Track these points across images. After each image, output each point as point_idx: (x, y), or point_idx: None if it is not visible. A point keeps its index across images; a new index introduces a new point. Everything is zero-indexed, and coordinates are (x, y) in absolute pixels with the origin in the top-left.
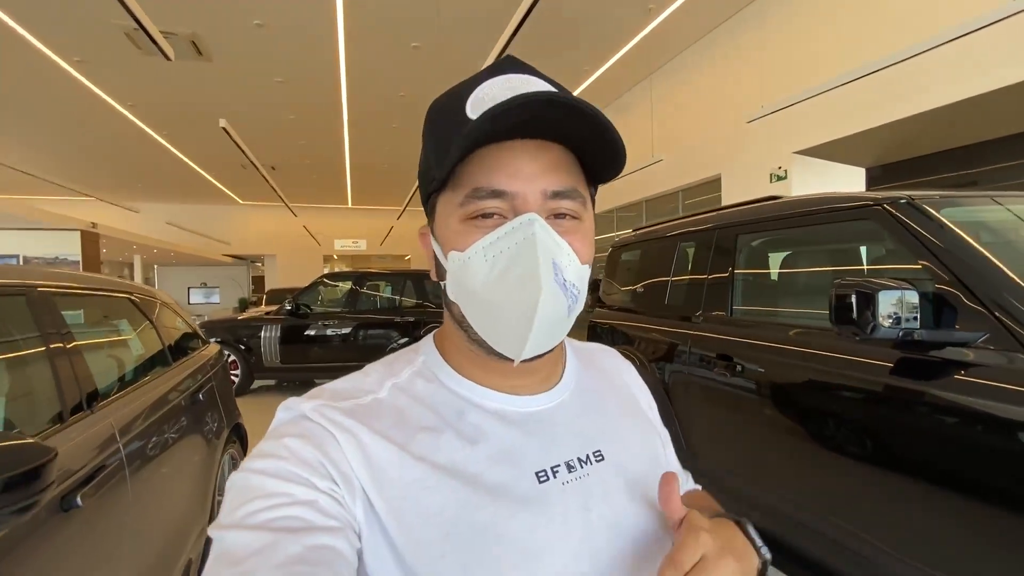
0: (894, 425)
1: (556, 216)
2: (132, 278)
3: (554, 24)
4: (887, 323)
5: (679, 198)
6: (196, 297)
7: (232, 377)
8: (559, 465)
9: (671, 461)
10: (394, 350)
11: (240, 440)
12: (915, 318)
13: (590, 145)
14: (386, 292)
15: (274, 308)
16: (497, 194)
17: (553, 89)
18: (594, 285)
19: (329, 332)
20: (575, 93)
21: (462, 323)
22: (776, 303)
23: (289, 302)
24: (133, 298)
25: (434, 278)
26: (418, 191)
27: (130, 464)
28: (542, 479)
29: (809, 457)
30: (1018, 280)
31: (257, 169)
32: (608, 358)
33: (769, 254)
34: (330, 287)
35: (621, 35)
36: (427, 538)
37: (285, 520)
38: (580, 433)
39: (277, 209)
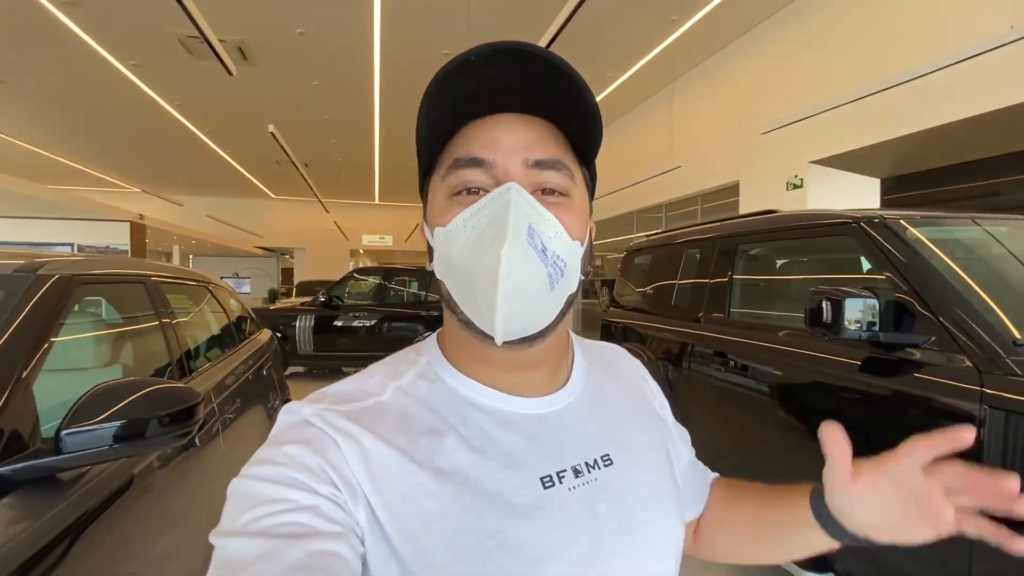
0: (859, 410)
1: (544, 192)
2: None
3: (581, 33)
4: (852, 327)
5: (699, 203)
6: None
7: None
8: (565, 470)
9: (688, 457)
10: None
11: None
12: (875, 323)
13: (567, 110)
14: (412, 287)
15: (307, 299)
16: (477, 163)
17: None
18: (608, 285)
19: (358, 323)
20: (597, 99)
21: (449, 302)
22: (769, 307)
23: (323, 294)
24: (209, 287)
25: (428, 266)
26: None
27: (221, 419)
28: (547, 484)
29: (793, 442)
30: (961, 292)
31: (295, 166)
32: (619, 358)
33: (764, 262)
34: (360, 281)
35: (644, 44)
36: (429, 544)
37: (287, 526)
38: (588, 436)
39: (308, 204)
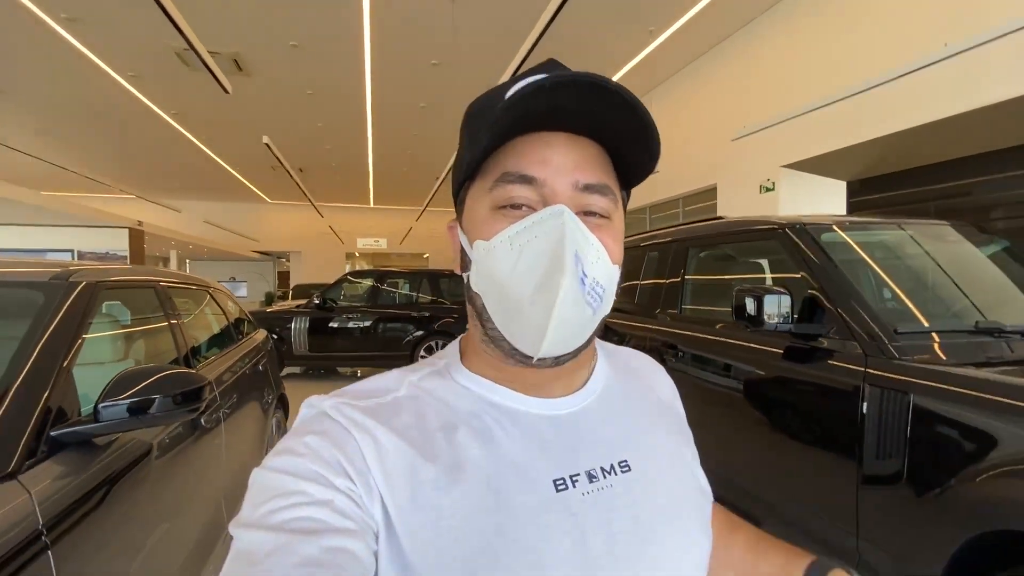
0: (782, 390)
1: (586, 214)
2: None
3: (562, 44)
4: (772, 320)
5: (680, 205)
6: None
7: None
8: (579, 474)
9: (700, 475)
10: (410, 343)
11: (283, 408)
12: (788, 316)
13: (626, 141)
14: (404, 289)
15: (303, 302)
16: (526, 180)
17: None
18: None
19: (352, 325)
20: None
21: (481, 315)
22: (713, 302)
23: (317, 296)
24: (210, 291)
25: (457, 271)
26: (437, 192)
27: (223, 407)
28: (560, 487)
29: (736, 423)
30: (857, 289)
31: (288, 173)
32: (643, 364)
33: (711, 263)
34: (353, 283)
35: (624, 55)
36: (436, 540)
37: (302, 521)
38: (605, 441)
39: (303, 208)
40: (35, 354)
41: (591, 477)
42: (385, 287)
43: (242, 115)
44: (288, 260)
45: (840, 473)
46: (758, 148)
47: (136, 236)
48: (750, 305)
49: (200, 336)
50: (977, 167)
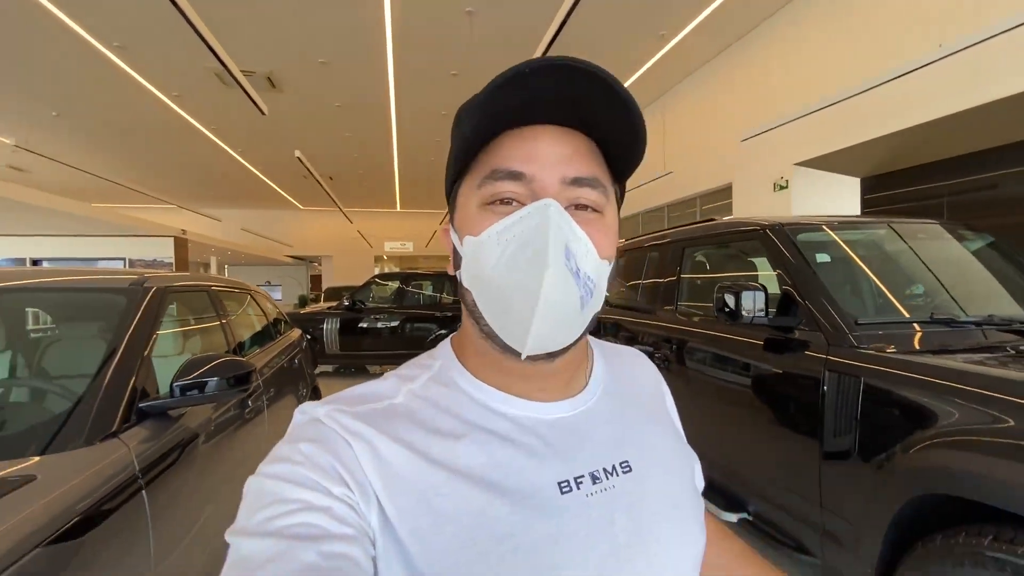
0: (758, 377)
1: (577, 207)
2: None
3: (574, 52)
4: (749, 313)
5: (697, 204)
6: None
7: None
8: (583, 476)
9: (697, 469)
10: (434, 342)
11: (317, 399)
12: (764, 310)
13: (612, 127)
14: (428, 290)
15: (334, 303)
16: (514, 175)
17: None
18: None
19: (379, 325)
20: None
21: (474, 312)
22: (705, 299)
23: (347, 298)
24: (251, 293)
25: (451, 271)
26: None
27: (266, 395)
28: (564, 490)
29: (725, 408)
30: (824, 283)
31: (319, 183)
32: (640, 364)
33: (703, 262)
34: (381, 285)
35: (636, 59)
36: (441, 547)
37: (299, 527)
38: (606, 442)
39: (334, 214)
40: (123, 345)
41: (594, 478)
42: (410, 288)
43: (276, 128)
44: (320, 264)
45: (807, 451)
46: (771, 147)
47: (180, 244)
48: (729, 300)
49: (245, 333)
50: (992, 161)
